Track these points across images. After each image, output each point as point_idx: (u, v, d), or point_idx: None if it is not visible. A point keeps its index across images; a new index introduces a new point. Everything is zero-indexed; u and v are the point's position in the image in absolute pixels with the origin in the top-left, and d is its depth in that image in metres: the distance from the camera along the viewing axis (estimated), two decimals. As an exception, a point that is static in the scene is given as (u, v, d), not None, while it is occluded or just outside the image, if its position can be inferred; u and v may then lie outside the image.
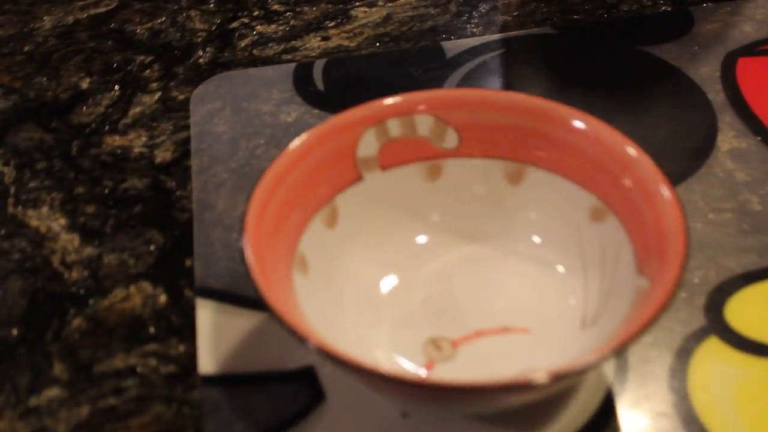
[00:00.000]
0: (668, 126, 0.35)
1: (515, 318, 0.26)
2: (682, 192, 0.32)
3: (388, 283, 0.27)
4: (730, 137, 0.34)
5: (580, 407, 0.25)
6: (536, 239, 0.28)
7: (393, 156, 0.28)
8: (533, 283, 0.27)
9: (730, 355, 0.26)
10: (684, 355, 0.26)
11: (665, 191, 0.24)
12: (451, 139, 0.28)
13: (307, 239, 0.26)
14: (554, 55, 0.39)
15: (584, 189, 0.26)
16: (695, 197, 0.31)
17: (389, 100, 0.27)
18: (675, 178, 0.32)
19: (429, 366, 0.25)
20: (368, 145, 0.27)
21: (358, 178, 0.27)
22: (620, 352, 0.21)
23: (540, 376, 0.21)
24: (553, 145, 0.27)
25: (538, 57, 0.39)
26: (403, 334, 0.26)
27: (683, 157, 0.33)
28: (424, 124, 0.28)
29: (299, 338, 0.21)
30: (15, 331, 0.29)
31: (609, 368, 0.26)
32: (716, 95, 0.36)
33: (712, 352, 0.26)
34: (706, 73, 0.37)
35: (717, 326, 0.27)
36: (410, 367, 0.25)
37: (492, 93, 0.28)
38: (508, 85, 0.38)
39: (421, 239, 0.28)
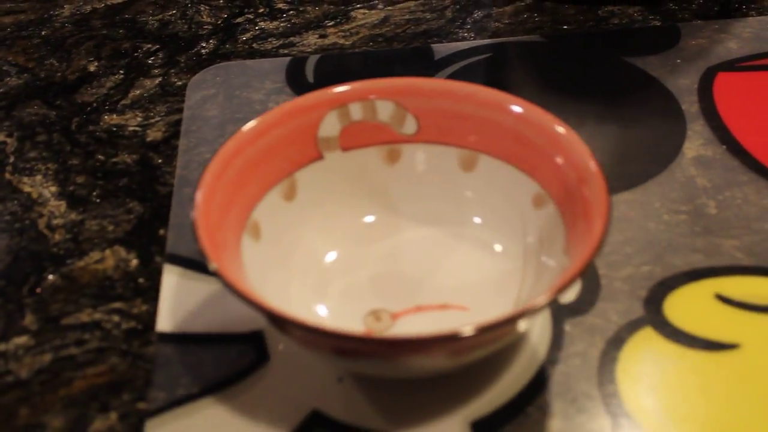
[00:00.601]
0: (639, 132, 0.36)
1: (455, 296, 0.27)
2: (640, 193, 0.33)
3: (339, 257, 0.29)
4: (696, 145, 0.35)
5: (511, 381, 0.26)
6: (483, 223, 0.29)
7: (354, 138, 0.29)
8: (476, 264, 0.28)
9: (661, 345, 0.27)
10: (617, 341, 0.27)
11: (592, 165, 0.25)
12: (410, 125, 0.29)
13: (263, 208, 0.27)
14: (540, 61, 0.40)
15: (529, 177, 0.28)
16: (653, 198, 0.32)
17: (352, 85, 0.29)
18: (637, 180, 0.33)
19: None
20: (330, 126, 0.29)
21: (319, 157, 0.29)
22: (530, 314, 0.22)
23: (466, 329, 0.22)
24: (504, 134, 0.28)
25: (524, 63, 0.41)
26: (346, 305, 0.27)
27: (649, 161, 0.34)
28: (385, 110, 0.29)
29: (229, 287, 0.23)
30: (-5, 284, 0.31)
31: (543, 347, 0.27)
32: (690, 106, 0.37)
33: (645, 341, 0.27)
34: (684, 85, 0.38)
35: (654, 318, 0.28)
36: (349, 334, 0.26)
37: (449, 83, 0.29)
38: (491, 87, 0.39)
39: (376, 218, 0.30)
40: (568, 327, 0.28)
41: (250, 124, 0.28)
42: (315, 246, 0.28)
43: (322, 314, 0.27)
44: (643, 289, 0.29)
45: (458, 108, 0.29)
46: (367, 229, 0.29)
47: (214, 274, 0.23)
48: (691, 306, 0.28)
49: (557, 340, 0.27)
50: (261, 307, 0.22)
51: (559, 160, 0.26)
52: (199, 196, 0.25)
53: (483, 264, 0.28)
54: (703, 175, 0.33)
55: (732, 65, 0.39)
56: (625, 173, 0.34)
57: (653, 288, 0.29)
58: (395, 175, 0.30)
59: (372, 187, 0.30)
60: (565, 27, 0.42)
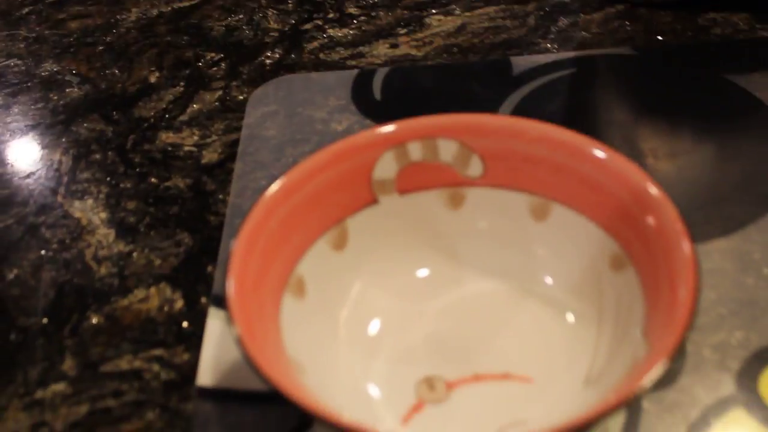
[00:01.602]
0: (739, 165, 0.32)
1: (519, 365, 0.25)
2: (737, 240, 0.29)
3: (392, 313, 0.26)
4: (806, 183, 0.31)
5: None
6: (555, 282, 0.26)
7: (412, 180, 0.27)
8: (545, 328, 0.25)
9: (755, 431, 0.24)
10: (703, 424, 0.24)
11: (685, 246, 0.22)
12: (475, 167, 0.26)
13: (309, 261, 0.25)
14: (630, 78, 0.37)
15: (607, 233, 0.24)
16: (752, 248, 0.29)
17: (411, 122, 0.26)
18: (734, 224, 0.29)
19: (418, 406, 0.24)
20: (386, 167, 0.26)
21: (373, 201, 0.26)
22: (586, 428, 0.19)
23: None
24: (581, 183, 0.25)
25: (613, 79, 0.37)
26: (398, 370, 0.25)
27: (749, 201, 0.30)
28: (448, 150, 0.26)
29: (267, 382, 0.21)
30: (38, 322, 0.30)
31: (616, 428, 0.24)
32: (800, 135, 0.32)
33: (736, 425, 0.24)
34: (794, 108, 0.34)
35: (747, 396, 0.24)
36: (398, 406, 0.24)
37: (521, 121, 0.26)
38: (574, 108, 0.35)
39: (434, 270, 0.27)
40: (646, 404, 0.25)
41: (300, 166, 0.25)
42: (366, 302, 0.26)
43: (369, 383, 0.24)
44: (735, 360, 0.25)
45: (530, 150, 0.26)
46: (424, 283, 0.27)
47: (237, 343, 0.21)
48: (792, 384, 0.25)
49: (632, 419, 0.24)
50: (284, 394, 0.20)
51: (648, 220, 0.23)
52: (235, 252, 0.23)
53: (552, 328, 0.25)
54: (813, 220, 0.29)
55: None
56: (720, 215, 0.30)
57: (748, 359, 0.25)
58: (457, 221, 0.27)
59: (431, 234, 0.27)
60: (660, 38, 0.38)
